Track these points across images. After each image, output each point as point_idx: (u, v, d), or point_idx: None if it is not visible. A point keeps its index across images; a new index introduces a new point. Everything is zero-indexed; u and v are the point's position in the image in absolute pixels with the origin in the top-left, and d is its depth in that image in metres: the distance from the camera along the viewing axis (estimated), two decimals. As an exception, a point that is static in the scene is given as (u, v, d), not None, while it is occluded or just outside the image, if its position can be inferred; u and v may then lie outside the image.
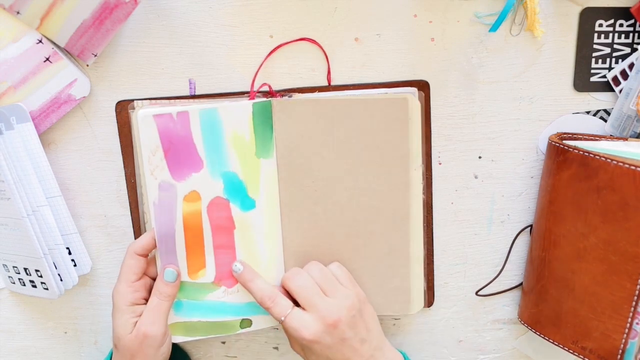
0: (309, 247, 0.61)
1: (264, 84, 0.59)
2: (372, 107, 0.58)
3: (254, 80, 0.59)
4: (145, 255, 0.58)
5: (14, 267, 0.62)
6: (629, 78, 0.59)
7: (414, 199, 0.60)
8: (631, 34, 0.59)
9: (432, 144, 0.61)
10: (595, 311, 0.57)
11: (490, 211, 0.64)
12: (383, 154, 0.59)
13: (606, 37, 0.59)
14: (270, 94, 0.59)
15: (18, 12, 0.55)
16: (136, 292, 0.57)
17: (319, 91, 0.59)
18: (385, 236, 0.61)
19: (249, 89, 0.59)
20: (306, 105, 0.58)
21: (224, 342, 0.67)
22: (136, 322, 0.57)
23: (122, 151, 0.61)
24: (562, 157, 0.57)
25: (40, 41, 0.56)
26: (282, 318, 0.56)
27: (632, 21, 0.58)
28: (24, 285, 0.63)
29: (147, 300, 0.58)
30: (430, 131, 0.61)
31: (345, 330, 0.56)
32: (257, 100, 0.58)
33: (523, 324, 0.64)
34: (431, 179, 0.62)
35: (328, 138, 0.59)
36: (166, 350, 0.58)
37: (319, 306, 0.56)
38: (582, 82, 0.60)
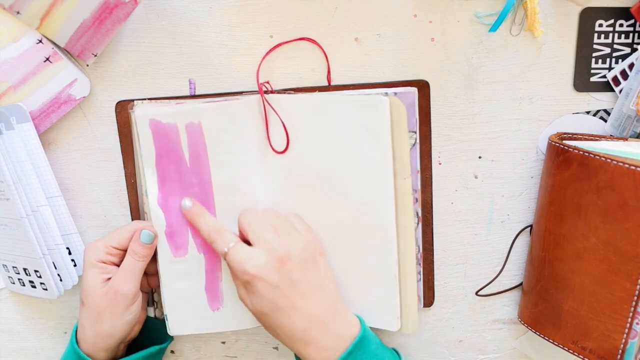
0: None
1: (262, 83, 0.59)
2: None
3: (258, 73, 0.59)
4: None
5: (13, 267, 0.62)
6: (629, 78, 0.59)
7: (404, 210, 0.58)
8: (631, 34, 0.59)
9: (432, 144, 0.61)
10: (595, 311, 0.57)
11: (490, 211, 0.64)
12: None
13: (606, 37, 0.59)
14: (270, 92, 0.59)
15: (18, 12, 0.55)
16: (109, 255, 0.57)
17: (319, 91, 0.59)
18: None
19: (248, 89, 0.59)
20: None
21: (223, 342, 0.67)
22: (105, 278, 0.57)
23: (122, 151, 0.61)
24: (562, 157, 0.57)
25: (40, 41, 0.56)
26: (225, 249, 0.53)
27: (632, 21, 0.58)
28: (24, 285, 0.63)
29: (116, 265, 0.58)
30: (430, 131, 0.61)
31: (295, 270, 0.51)
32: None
33: (523, 324, 0.64)
34: (431, 179, 0.62)
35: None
36: (135, 310, 0.58)
37: (268, 240, 0.52)
38: (582, 82, 0.60)
